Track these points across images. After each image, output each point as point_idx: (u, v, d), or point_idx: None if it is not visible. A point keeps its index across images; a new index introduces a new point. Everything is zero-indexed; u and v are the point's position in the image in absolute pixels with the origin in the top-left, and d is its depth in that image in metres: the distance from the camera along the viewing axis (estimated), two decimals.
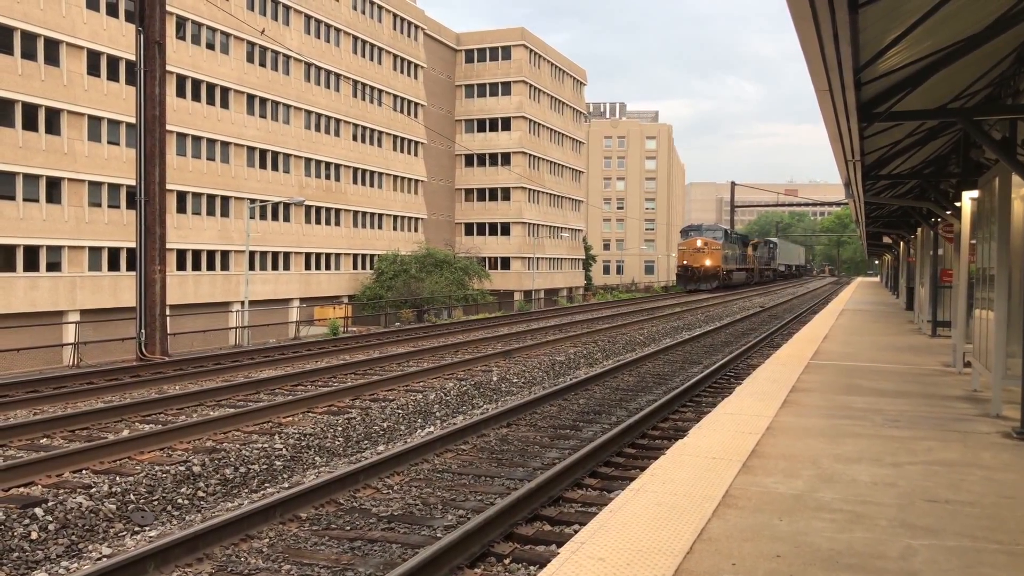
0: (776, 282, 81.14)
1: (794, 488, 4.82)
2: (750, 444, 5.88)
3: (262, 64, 48.93)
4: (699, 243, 55.40)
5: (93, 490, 6.48)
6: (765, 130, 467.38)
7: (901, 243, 28.16)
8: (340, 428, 9.06)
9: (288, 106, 49.43)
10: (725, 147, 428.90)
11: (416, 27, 65.41)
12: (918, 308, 18.79)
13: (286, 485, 7.16)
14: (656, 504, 4.53)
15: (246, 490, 7.10)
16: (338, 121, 54.01)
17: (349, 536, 5.73)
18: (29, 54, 36.11)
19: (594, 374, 13.16)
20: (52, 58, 36.57)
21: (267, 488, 7.17)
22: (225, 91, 45.84)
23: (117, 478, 6.83)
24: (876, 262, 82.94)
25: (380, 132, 57.65)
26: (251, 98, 47.11)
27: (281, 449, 8.06)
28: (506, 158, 72.67)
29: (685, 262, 57.04)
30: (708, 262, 54.80)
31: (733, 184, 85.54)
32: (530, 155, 75.30)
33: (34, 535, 5.63)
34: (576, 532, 4.64)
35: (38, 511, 5.93)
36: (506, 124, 75.45)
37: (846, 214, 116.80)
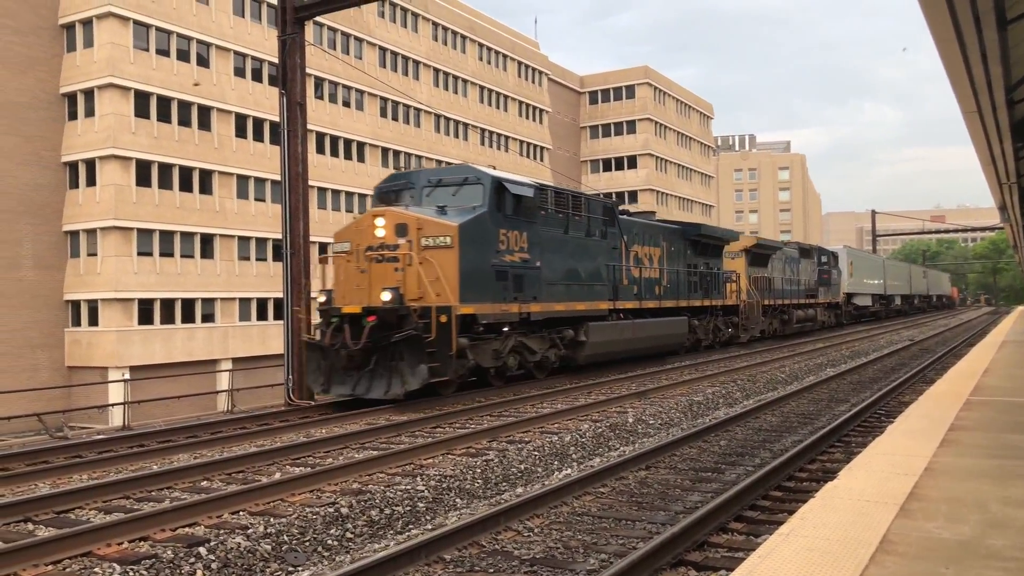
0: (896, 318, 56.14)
1: (959, 534, 4.51)
2: (907, 486, 5.56)
3: (394, 118, 50.87)
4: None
5: (250, 531, 6.79)
6: (908, 155, 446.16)
7: None
8: (479, 470, 9.16)
9: (420, 156, 51.07)
10: (865, 174, 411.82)
11: (540, 73, 66.56)
12: None
13: (429, 527, 7.30)
14: (807, 549, 4.34)
15: (391, 531, 7.27)
16: None
17: None
18: (184, 121, 38.87)
19: (735, 414, 12.80)
20: (204, 123, 39.26)
21: (411, 530, 7.32)
22: (361, 145, 47.85)
23: (271, 519, 7.14)
24: None
25: None
26: (385, 151, 48.94)
27: (423, 491, 8.22)
28: (633, 196, 72.38)
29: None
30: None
31: (874, 212, 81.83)
32: (658, 191, 74.73)
33: (199, 573, 5.95)
34: None
35: (202, 550, 6.27)
36: (632, 162, 75.30)
37: (1002, 239, 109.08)
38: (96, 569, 5.93)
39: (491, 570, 5.98)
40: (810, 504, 5.26)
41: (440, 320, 13.54)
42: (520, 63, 63.10)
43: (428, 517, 7.70)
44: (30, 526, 7.16)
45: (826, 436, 10.62)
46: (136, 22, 36.89)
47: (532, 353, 16.49)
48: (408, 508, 7.78)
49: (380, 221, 14.33)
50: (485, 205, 14.96)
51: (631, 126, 73.88)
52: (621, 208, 22.83)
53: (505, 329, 15.55)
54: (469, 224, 14.52)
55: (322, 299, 14.76)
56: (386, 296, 13.63)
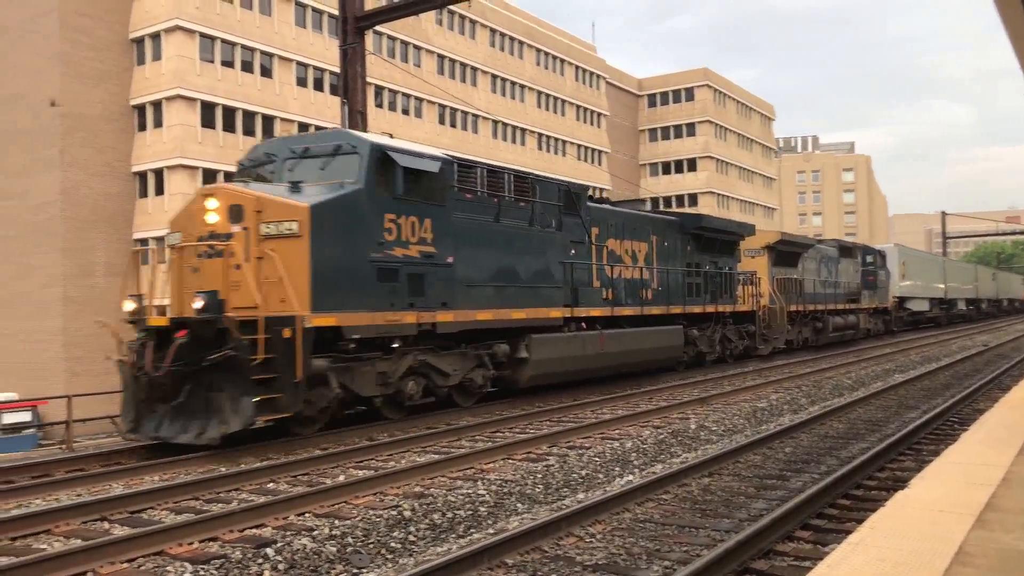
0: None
1: None
2: (983, 496, 5.38)
3: (452, 125, 51.26)
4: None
5: (315, 532, 6.91)
6: (980, 154, 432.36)
7: None
8: (539, 475, 9.16)
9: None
10: (934, 175, 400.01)
11: (598, 76, 66.38)
12: None
13: (491, 531, 7.32)
14: (879, 560, 4.24)
15: (453, 535, 7.32)
16: None
17: None
18: (249, 131, 39.74)
19: (799, 421, 12.57)
20: (268, 133, 40.12)
21: (473, 533, 7.35)
22: None
23: (336, 521, 7.25)
24: None
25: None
26: None
27: (484, 495, 8.25)
28: (693, 199, 71.66)
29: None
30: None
31: (944, 214, 79.49)
32: (718, 194, 73.83)
33: (267, 573, 6.06)
34: None
35: (269, 551, 6.39)
36: (692, 165, 74.56)
37: None
38: (168, 568, 6.09)
39: (553, 575, 5.97)
40: (880, 513, 5.13)
41: (283, 335, 10.21)
42: (578, 67, 63.03)
43: (490, 521, 7.72)
44: (106, 525, 7.39)
45: (896, 444, 10.35)
46: (202, 35, 37.90)
47: (443, 375, 13.01)
48: (470, 512, 7.82)
49: (211, 203, 10.85)
50: (360, 181, 11.42)
51: (691, 129, 73.18)
52: (597, 197, 20.48)
53: (396, 345, 12.10)
54: (329, 205, 10.98)
55: (129, 306, 11.15)
56: (197, 304, 10.25)
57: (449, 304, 12.82)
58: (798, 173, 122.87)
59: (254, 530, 7.09)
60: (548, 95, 59.59)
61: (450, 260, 12.87)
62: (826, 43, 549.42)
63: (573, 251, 15.95)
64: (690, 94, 73.71)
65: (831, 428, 12.49)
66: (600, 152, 64.91)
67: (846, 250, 33.22)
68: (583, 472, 9.55)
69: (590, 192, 18.72)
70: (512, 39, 56.37)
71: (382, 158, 11.71)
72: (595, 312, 16.43)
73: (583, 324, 16.08)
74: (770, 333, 24.05)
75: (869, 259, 35.28)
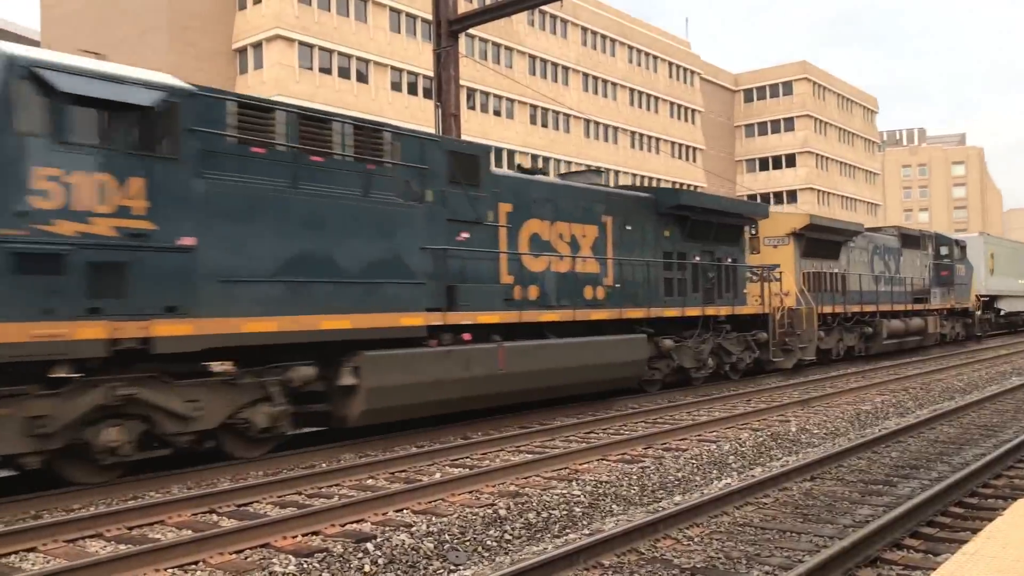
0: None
1: None
2: None
3: (544, 125, 51.37)
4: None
5: (413, 528, 7.02)
6: None
7: None
8: (635, 476, 9.07)
9: (569, 162, 51.28)
10: None
11: (692, 72, 65.46)
12: None
13: (587, 532, 7.29)
14: (996, 571, 4.04)
15: (548, 535, 7.32)
16: (616, 172, 55.09)
17: None
18: None
19: (907, 424, 12.08)
20: None
21: (568, 534, 7.34)
22: (511, 154, 48.57)
23: (433, 518, 7.36)
24: None
25: (659, 180, 58.00)
26: (534, 158, 49.45)
27: (579, 496, 8.23)
28: (792, 195, 69.87)
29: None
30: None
31: None
32: (819, 191, 71.81)
33: (367, 568, 6.20)
34: None
35: (369, 546, 6.53)
36: (791, 161, 72.73)
37: None
38: (274, 560, 6.29)
39: None
40: (998, 522, 4.89)
41: None
42: (671, 63, 62.23)
43: (585, 522, 7.69)
44: (214, 517, 7.69)
45: (1013, 450, 9.82)
46: (301, 43, 39.08)
47: (179, 420, 8.97)
48: (565, 512, 7.80)
49: None
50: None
51: (789, 123, 71.33)
52: (534, 168, 16.66)
53: (72, 374, 8.23)
54: None
55: None
56: None
57: (183, 308, 8.80)
58: (903, 167, 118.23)
59: (354, 525, 7.26)
60: (641, 92, 59.04)
61: (187, 242, 8.90)
62: (932, 32, 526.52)
63: (465, 234, 11.99)
64: (788, 88, 71.84)
65: (941, 432, 11.96)
66: (695, 149, 63.92)
67: (911, 239, 28.09)
68: (679, 474, 9.41)
69: (539, 166, 17.37)
70: (604, 37, 56.08)
71: (29, 79, 7.95)
72: (487, 318, 12.05)
73: (470, 334, 11.99)
74: (795, 342, 19.32)
75: (944, 250, 29.80)
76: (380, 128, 11.22)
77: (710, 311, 16.92)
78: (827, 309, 21.74)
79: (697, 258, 16.89)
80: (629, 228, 15.35)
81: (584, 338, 13.83)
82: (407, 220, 11.21)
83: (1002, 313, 36.96)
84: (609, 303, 14.62)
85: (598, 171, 19.02)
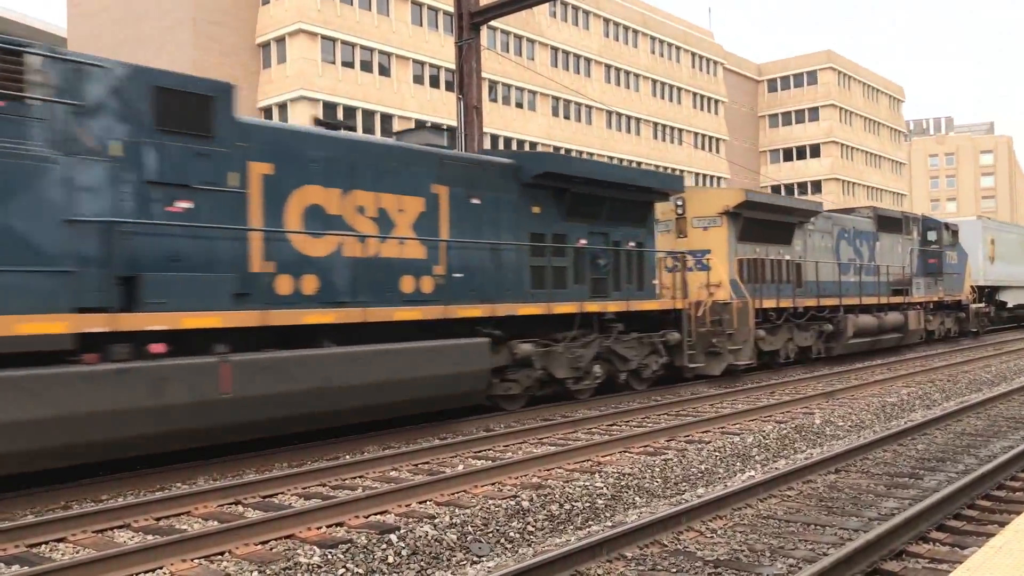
0: None
1: None
2: None
3: (566, 117, 51.23)
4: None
5: (436, 520, 7.06)
6: None
7: None
8: (658, 469, 9.06)
9: (591, 154, 51.20)
10: None
11: (715, 63, 65.00)
12: None
13: (609, 524, 7.29)
14: None
15: (571, 526, 7.33)
16: (639, 164, 54.92)
17: None
18: (368, 129, 40.85)
19: (933, 417, 11.96)
20: (387, 131, 41.18)
21: (591, 526, 7.35)
22: (533, 146, 48.53)
23: (456, 510, 7.39)
24: None
25: (682, 171, 57.75)
26: (556, 150, 49.40)
27: (602, 488, 8.23)
28: (817, 186, 69.25)
29: None
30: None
31: None
32: (844, 181, 71.15)
33: (391, 559, 6.24)
34: None
35: (392, 537, 6.57)
36: (815, 151, 72.06)
37: None
38: (298, 551, 6.35)
39: (673, 569, 5.90)
40: None
41: None
42: (694, 54, 61.81)
43: (607, 514, 7.70)
44: (240, 508, 7.77)
45: None
46: (323, 36, 39.23)
47: None
48: (587, 504, 7.81)
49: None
50: None
51: (813, 113, 70.67)
52: (341, 122, 13.05)
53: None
54: None
55: None
56: None
57: None
58: (930, 157, 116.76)
59: (378, 516, 7.31)
60: (664, 83, 58.70)
61: None
62: (961, 19, 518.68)
63: (184, 203, 8.86)
64: (812, 77, 71.14)
65: (968, 425, 11.83)
66: (718, 140, 63.50)
67: (889, 222, 24.33)
68: (702, 467, 9.38)
69: (337, 118, 13.34)
70: (626, 28, 55.78)
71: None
72: (199, 320, 8.67)
73: (160, 345, 8.43)
74: (724, 343, 16.06)
75: (932, 235, 26.08)
76: (18, 49, 7.80)
77: (592, 307, 13.63)
78: (770, 303, 17.91)
79: (583, 241, 13.96)
80: (476, 202, 12.34)
81: (379, 346, 10.34)
82: (40, 180, 7.86)
83: (1009, 306, 33.21)
84: (441, 298, 11.56)
85: (440, 130, 14.39)
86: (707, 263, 16.71)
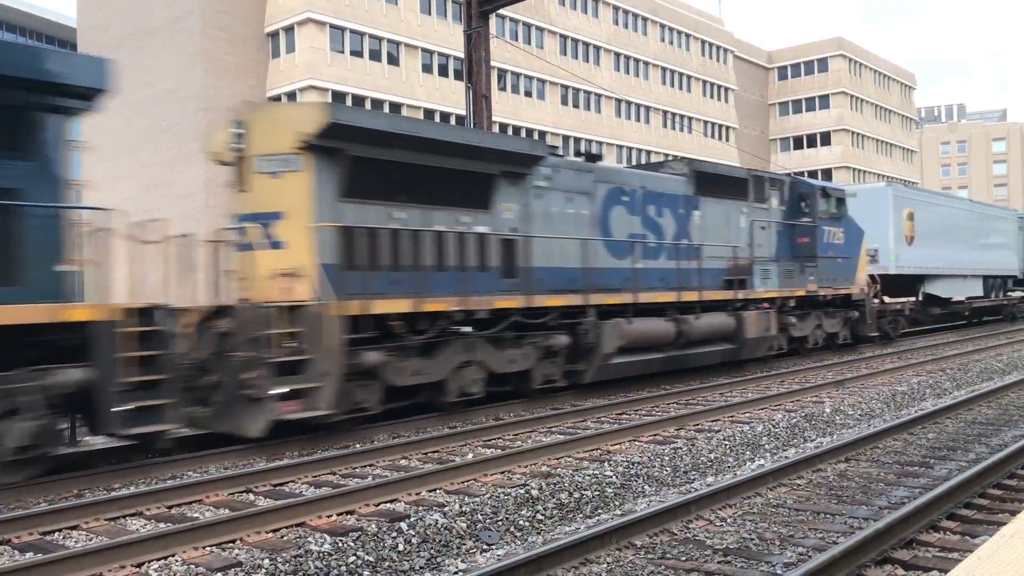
0: None
1: None
2: None
3: (575, 105, 51.02)
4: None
5: (446, 508, 7.08)
6: None
7: None
8: (667, 457, 9.06)
9: (600, 143, 50.99)
10: None
11: (725, 50, 64.60)
12: None
13: (619, 512, 7.30)
14: None
15: (580, 515, 7.35)
16: (648, 152, 54.65)
17: (685, 567, 5.70)
18: None
19: (944, 405, 11.92)
20: None
21: (600, 514, 7.36)
22: (543, 135, 48.39)
23: (466, 498, 7.41)
24: None
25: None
26: (566, 139, 49.23)
27: (611, 476, 8.24)
28: (827, 174, 68.85)
29: None
30: None
31: None
32: (854, 169, 70.71)
33: (400, 547, 6.27)
34: None
35: (403, 525, 6.60)
36: (825, 139, 71.61)
37: None
38: (309, 539, 6.38)
39: (683, 558, 5.90)
40: None
41: None
42: (704, 41, 61.45)
43: (617, 503, 7.71)
44: (251, 496, 7.82)
45: None
46: (332, 26, 39.15)
47: None
48: (596, 493, 7.82)
49: None
50: None
51: (824, 101, 70.22)
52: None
53: None
54: None
55: None
56: None
57: None
58: (942, 144, 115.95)
59: (388, 504, 7.34)
60: (673, 71, 58.40)
61: None
62: (975, 5, 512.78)
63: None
64: (823, 65, 70.65)
65: (979, 414, 11.78)
66: (728, 128, 63.19)
67: (718, 182, 16.73)
68: (712, 455, 9.38)
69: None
70: (635, 16, 55.50)
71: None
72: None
73: None
74: (269, 382, 9.30)
75: (805, 204, 18.60)
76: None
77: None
78: (399, 306, 10.56)
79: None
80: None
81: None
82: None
83: (944, 300, 26.08)
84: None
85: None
86: (278, 238, 10.11)
